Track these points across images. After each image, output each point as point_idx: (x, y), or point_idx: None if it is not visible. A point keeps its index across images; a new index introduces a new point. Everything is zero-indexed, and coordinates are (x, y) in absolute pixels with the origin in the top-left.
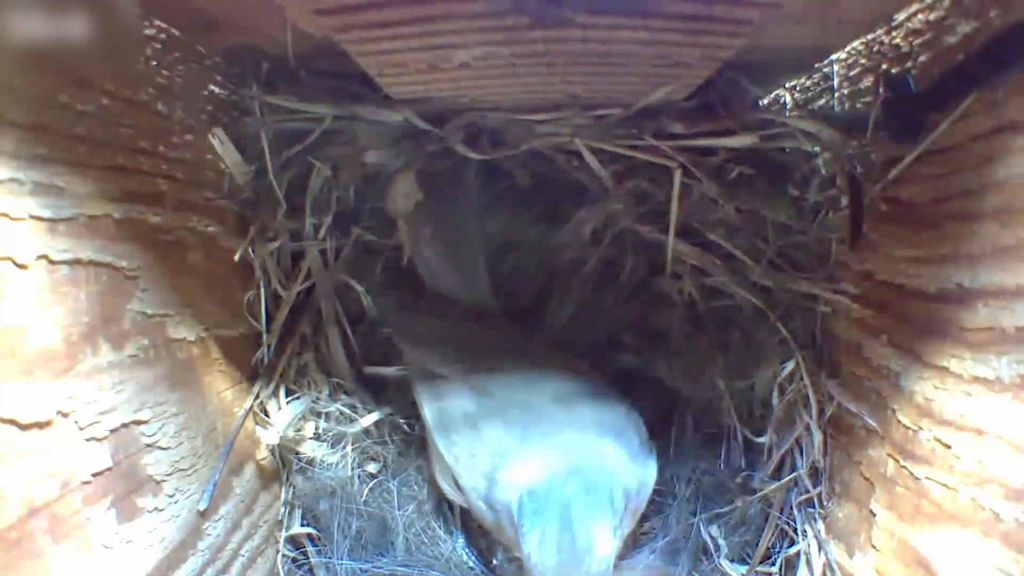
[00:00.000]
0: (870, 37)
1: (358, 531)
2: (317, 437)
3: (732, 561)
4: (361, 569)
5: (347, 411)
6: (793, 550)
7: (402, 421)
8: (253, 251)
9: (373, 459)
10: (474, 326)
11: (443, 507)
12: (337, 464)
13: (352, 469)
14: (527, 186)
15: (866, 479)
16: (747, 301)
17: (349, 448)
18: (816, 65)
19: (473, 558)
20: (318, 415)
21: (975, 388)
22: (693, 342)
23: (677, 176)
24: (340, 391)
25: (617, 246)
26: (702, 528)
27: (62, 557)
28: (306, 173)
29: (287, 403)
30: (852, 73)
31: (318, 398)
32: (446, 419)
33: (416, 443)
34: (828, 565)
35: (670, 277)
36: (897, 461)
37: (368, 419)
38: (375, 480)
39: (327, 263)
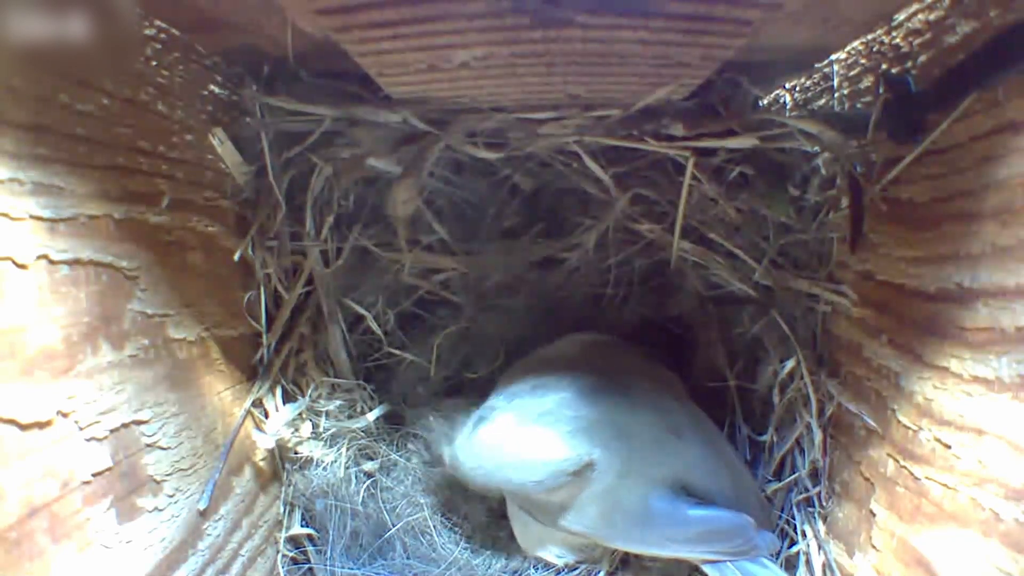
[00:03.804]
0: (870, 37)
1: (353, 531)
2: (316, 436)
3: None
4: (360, 572)
5: (346, 409)
6: (793, 550)
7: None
8: (253, 251)
9: (370, 458)
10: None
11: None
12: (334, 463)
13: (347, 468)
14: (528, 192)
15: (866, 479)
16: (748, 299)
17: (345, 447)
18: (816, 65)
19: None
20: (316, 414)
21: (975, 388)
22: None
23: (689, 164)
24: (339, 389)
25: (619, 248)
26: None
27: (62, 557)
28: (306, 173)
29: (283, 406)
30: (852, 73)
31: (317, 397)
32: None
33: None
34: (828, 565)
35: (675, 275)
36: (897, 461)
37: (372, 414)
38: (371, 479)
39: (328, 263)
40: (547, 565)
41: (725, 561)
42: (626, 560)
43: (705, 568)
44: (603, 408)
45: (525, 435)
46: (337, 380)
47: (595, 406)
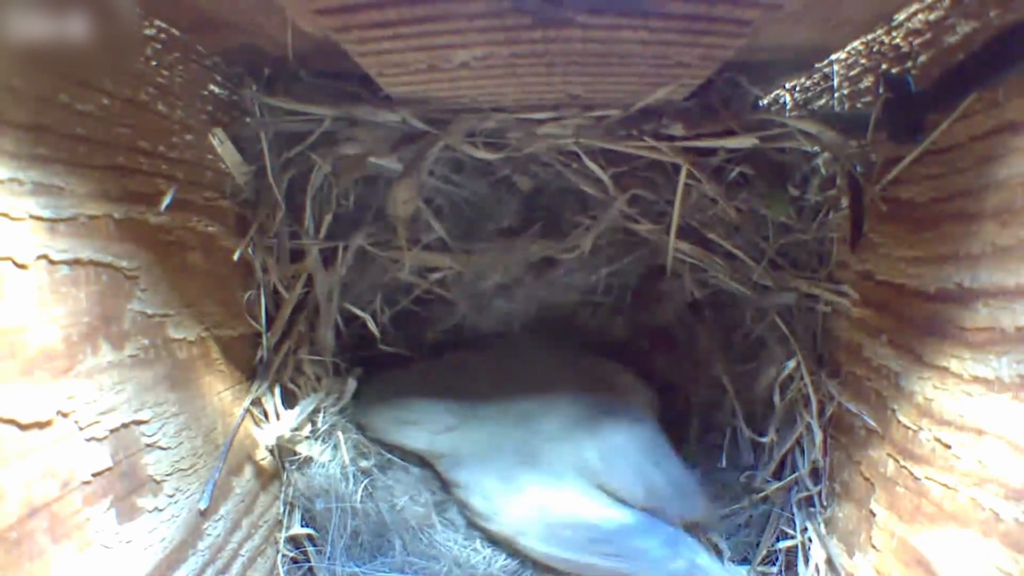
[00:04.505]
0: (870, 37)
1: (354, 530)
2: (313, 434)
3: (733, 562)
4: (361, 572)
5: (338, 403)
6: (788, 544)
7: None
8: (253, 251)
9: (365, 455)
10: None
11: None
12: (332, 462)
13: (345, 467)
14: (527, 191)
15: (866, 479)
16: (748, 300)
17: (343, 445)
18: (816, 65)
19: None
20: (315, 411)
21: (975, 388)
22: (695, 339)
23: (683, 170)
24: (333, 381)
25: (617, 247)
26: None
27: (62, 557)
28: (306, 173)
29: (284, 411)
30: (852, 73)
31: (322, 396)
32: None
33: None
34: (828, 565)
35: (671, 276)
36: (897, 461)
37: (349, 389)
38: (370, 478)
39: (327, 263)
40: (549, 567)
41: None
42: None
43: None
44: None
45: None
46: (327, 363)
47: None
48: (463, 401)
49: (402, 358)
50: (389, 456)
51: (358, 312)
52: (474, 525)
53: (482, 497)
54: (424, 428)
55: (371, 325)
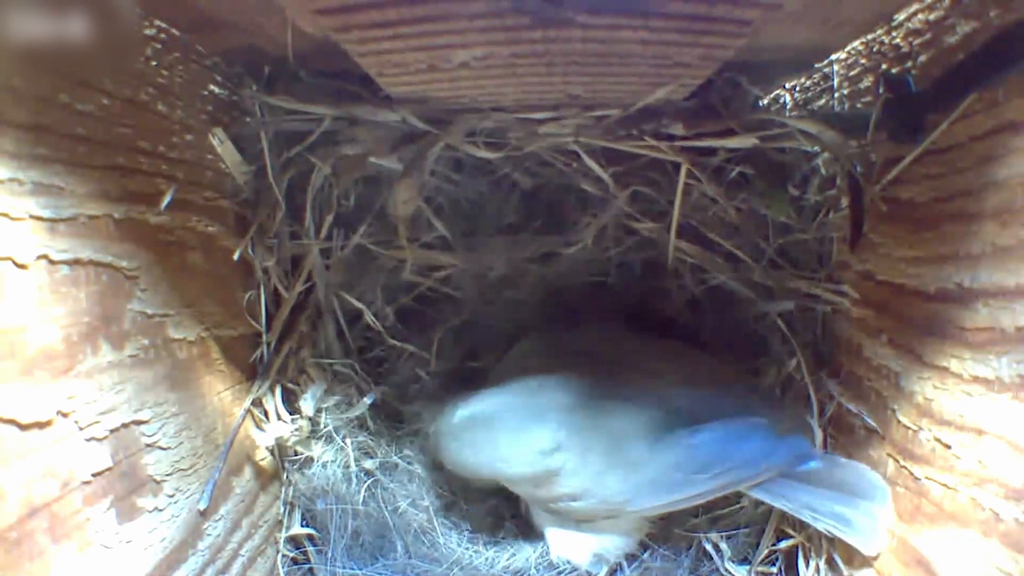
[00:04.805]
0: (870, 37)
1: (355, 531)
2: (315, 435)
3: (732, 562)
4: (362, 573)
5: (343, 404)
6: (788, 544)
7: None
8: (253, 251)
9: (370, 456)
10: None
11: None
12: (334, 462)
13: (348, 468)
14: (528, 189)
15: None
16: (748, 300)
17: (346, 447)
18: (816, 65)
19: None
20: (316, 411)
21: (975, 388)
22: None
23: (683, 170)
24: (336, 383)
25: (617, 246)
26: (702, 534)
27: (62, 557)
28: (306, 173)
29: (287, 409)
30: (852, 73)
31: (320, 396)
32: None
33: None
34: (829, 565)
35: (671, 275)
36: (897, 461)
37: (367, 399)
38: (372, 479)
39: (327, 263)
40: (550, 566)
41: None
42: (627, 558)
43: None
44: (578, 391)
45: (493, 428)
46: (333, 366)
47: (570, 390)
48: (565, 405)
49: (414, 357)
50: (395, 458)
51: (358, 305)
52: (564, 511)
53: (581, 479)
54: (533, 447)
55: (369, 318)
